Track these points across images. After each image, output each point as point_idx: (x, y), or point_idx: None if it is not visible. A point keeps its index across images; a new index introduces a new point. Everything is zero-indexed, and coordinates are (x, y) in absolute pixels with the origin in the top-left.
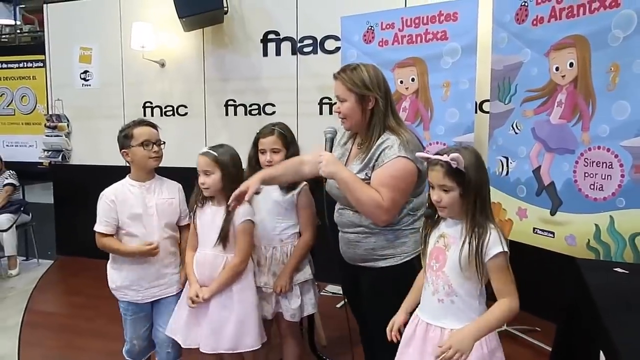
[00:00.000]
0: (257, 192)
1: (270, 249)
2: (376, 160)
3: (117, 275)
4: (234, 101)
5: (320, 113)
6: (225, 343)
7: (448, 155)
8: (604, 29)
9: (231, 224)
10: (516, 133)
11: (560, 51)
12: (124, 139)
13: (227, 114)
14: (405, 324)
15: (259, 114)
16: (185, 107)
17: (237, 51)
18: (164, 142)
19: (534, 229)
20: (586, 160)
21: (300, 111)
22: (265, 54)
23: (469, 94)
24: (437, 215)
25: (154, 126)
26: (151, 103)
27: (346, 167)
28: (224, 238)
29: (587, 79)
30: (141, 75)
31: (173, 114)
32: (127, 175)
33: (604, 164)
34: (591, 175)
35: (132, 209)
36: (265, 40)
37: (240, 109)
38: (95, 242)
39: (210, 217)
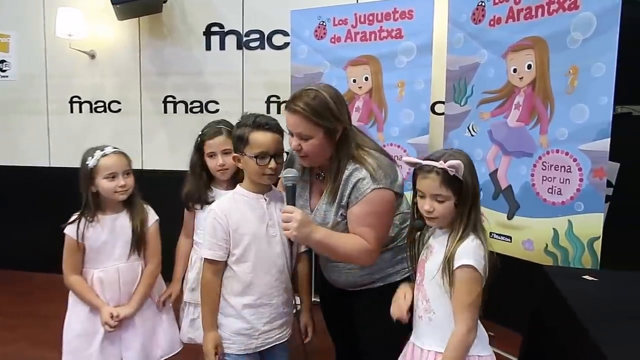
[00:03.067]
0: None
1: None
2: (349, 198)
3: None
4: (174, 98)
5: (268, 112)
6: (160, 350)
7: (445, 162)
8: (563, 30)
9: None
10: (472, 135)
11: (518, 52)
12: (238, 141)
13: (165, 111)
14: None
15: (202, 111)
16: (119, 102)
17: (177, 44)
18: (288, 152)
19: (491, 233)
20: (544, 163)
21: (247, 109)
22: (208, 47)
23: (424, 95)
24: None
25: (278, 130)
26: (79, 98)
27: (316, 224)
28: (140, 243)
29: (545, 81)
30: (68, 66)
31: (105, 110)
32: (240, 185)
33: (563, 168)
34: (549, 179)
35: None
36: (208, 33)
37: (181, 106)
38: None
39: (109, 228)
